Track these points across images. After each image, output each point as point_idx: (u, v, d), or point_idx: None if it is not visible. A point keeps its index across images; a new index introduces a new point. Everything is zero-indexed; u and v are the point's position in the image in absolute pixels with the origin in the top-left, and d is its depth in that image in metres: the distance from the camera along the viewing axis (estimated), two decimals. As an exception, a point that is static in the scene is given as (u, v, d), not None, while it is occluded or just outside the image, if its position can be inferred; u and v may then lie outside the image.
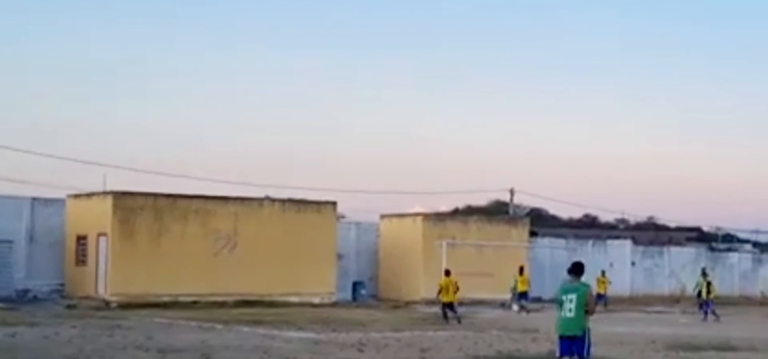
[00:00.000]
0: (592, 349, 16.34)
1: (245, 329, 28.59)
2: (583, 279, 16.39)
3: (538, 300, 43.92)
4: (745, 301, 52.69)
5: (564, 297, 16.12)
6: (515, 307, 42.71)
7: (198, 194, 43.03)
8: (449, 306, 34.16)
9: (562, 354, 16.12)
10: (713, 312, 39.11)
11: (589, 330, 16.02)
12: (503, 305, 43.90)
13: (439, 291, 34.66)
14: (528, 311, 40.97)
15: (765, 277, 45.38)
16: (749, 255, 65.70)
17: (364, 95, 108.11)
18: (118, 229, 40.38)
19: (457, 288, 34.78)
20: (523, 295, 42.28)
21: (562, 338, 16.10)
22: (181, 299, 39.04)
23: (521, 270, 43.16)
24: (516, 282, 43.04)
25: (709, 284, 40.17)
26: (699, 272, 47.25)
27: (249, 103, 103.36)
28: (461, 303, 40.86)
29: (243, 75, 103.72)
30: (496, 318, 36.38)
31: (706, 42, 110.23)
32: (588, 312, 16.00)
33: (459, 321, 33.21)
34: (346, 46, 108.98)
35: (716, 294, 41.15)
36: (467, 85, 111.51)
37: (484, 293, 45.31)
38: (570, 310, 15.95)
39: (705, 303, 39.76)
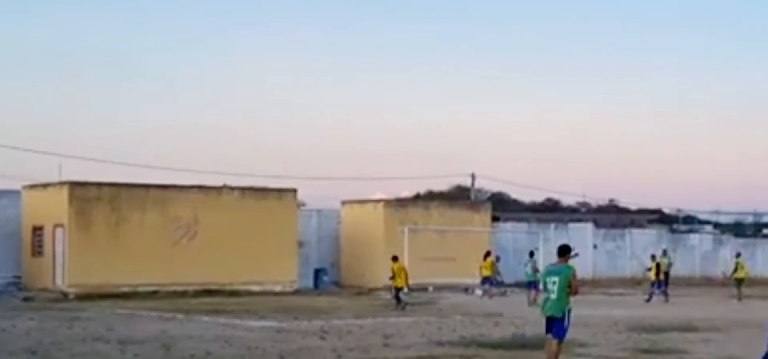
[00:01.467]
0: (570, 330, 16.56)
1: (206, 318, 28.37)
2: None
3: (501, 284, 43.82)
4: (706, 282, 52.99)
5: (548, 279, 16.47)
6: (479, 292, 42.69)
7: (156, 183, 42.57)
8: (397, 290, 34.17)
9: (547, 332, 16.48)
10: (663, 293, 39.64)
11: (569, 311, 16.23)
12: (466, 290, 43.83)
13: (392, 277, 34.52)
14: (491, 295, 40.95)
15: (726, 258, 45.57)
16: (710, 237, 66.13)
17: (323, 81, 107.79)
18: (75, 219, 39.84)
19: (406, 274, 34.83)
20: (486, 280, 42.23)
21: (548, 319, 16.41)
22: (141, 289, 38.57)
23: (486, 255, 43.13)
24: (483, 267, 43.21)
25: (658, 266, 40.76)
26: (660, 252, 47.71)
27: (207, 90, 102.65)
28: (424, 289, 40.97)
29: (199, 61, 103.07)
30: (460, 303, 36.31)
31: (668, 26, 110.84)
32: (571, 293, 16.21)
33: (403, 308, 33.23)
34: (305, 30, 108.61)
35: (665, 273, 42.06)
36: (427, 70, 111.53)
37: (446, 278, 45.31)
38: (553, 292, 16.22)
39: (654, 283, 40.35)
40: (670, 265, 45.96)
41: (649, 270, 41.68)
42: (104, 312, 30.27)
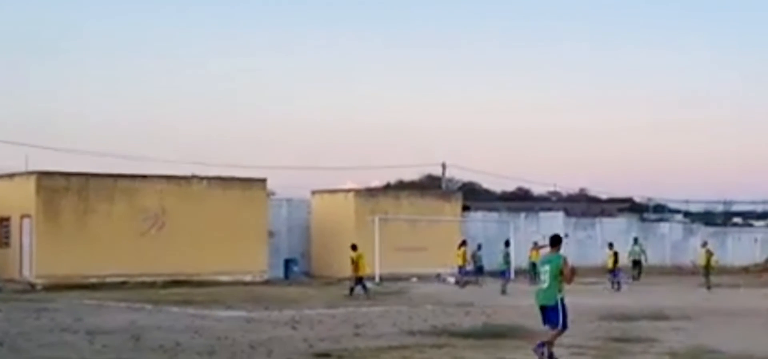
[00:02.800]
0: (569, 319, 16.61)
1: (175, 309, 28.20)
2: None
3: (480, 272, 43.84)
4: (676, 271, 53.20)
5: (541, 269, 16.80)
6: (451, 279, 42.77)
7: (124, 173, 42.26)
8: (360, 279, 34.15)
9: (544, 322, 16.64)
10: (618, 283, 39.77)
11: (562, 299, 16.33)
12: (439, 276, 43.80)
13: (353, 265, 34.44)
14: (463, 284, 40.97)
15: (696, 247, 45.77)
16: (680, 225, 66.40)
17: (293, 70, 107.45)
18: (42, 210, 39.52)
19: (365, 263, 35.02)
20: (460, 269, 42.33)
21: (540, 308, 16.61)
22: (109, 280, 38.28)
23: (461, 245, 43.27)
24: (473, 255, 43.62)
25: (615, 255, 40.93)
26: (631, 241, 47.97)
27: (175, 79, 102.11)
28: (398, 279, 40.95)
29: (168, 52, 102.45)
30: (431, 293, 36.22)
31: (635, 13, 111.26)
32: (565, 281, 16.39)
33: (351, 293, 33.48)
34: (277, 21, 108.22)
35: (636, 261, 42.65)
36: (397, 60, 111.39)
37: (417, 268, 45.24)
38: (544, 281, 16.46)
39: (612, 271, 40.50)
40: (642, 254, 46.27)
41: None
42: (72, 303, 29.99)
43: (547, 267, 16.52)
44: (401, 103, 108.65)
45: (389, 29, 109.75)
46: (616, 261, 41.14)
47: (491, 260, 44.41)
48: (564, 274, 16.38)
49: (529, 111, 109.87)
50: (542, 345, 16.48)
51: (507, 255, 40.66)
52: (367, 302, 31.56)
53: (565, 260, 16.50)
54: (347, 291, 34.19)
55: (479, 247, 44.44)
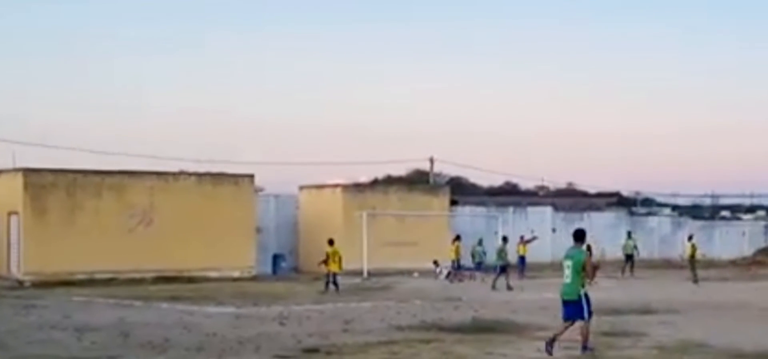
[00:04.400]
0: (591, 311, 16.93)
1: (164, 305, 28.18)
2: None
3: (479, 267, 43.76)
4: (665, 264, 53.29)
5: (564, 263, 16.98)
6: (441, 273, 42.78)
7: (112, 170, 42.13)
8: (333, 275, 34.01)
9: (564, 317, 16.96)
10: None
11: (586, 294, 16.67)
12: (436, 264, 43.82)
13: (326, 261, 34.30)
14: (458, 279, 40.96)
15: (684, 240, 45.82)
16: (668, 219, 66.46)
17: (281, 65, 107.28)
18: (30, 207, 39.36)
19: (340, 258, 34.77)
20: (453, 264, 42.38)
21: (563, 302, 16.92)
22: (97, 276, 38.17)
23: (455, 239, 43.44)
24: (473, 250, 43.49)
25: (589, 248, 40.71)
26: (625, 235, 48.15)
27: (162, 76, 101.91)
28: (386, 274, 40.91)
29: (155, 47, 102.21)
30: (419, 288, 36.21)
31: (616, 8, 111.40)
32: (586, 276, 16.72)
33: (326, 288, 33.34)
34: (262, 17, 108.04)
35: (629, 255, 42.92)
36: (385, 55, 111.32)
37: (406, 263, 45.23)
38: (567, 276, 16.73)
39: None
40: (634, 248, 46.52)
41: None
42: (60, 300, 29.92)
43: (569, 262, 16.74)
44: (389, 98, 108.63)
45: (377, 25, 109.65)
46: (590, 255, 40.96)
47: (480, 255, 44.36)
48: (586, 269, 16.65)
49: (517, 106, 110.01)
50: (585, 347, 16.87)
51: (501, 250, 40.48)
52: (355, 299, 31.42)
53: (587, 256, 16.87)
54: (322, 287, 33.80)
55: (480, 242, 44.17)
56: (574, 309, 16.68)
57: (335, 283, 33.86)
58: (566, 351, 17.33)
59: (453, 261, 42.72)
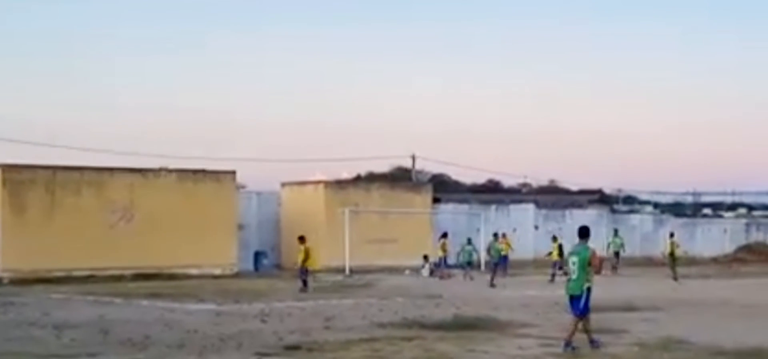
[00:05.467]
0: (589, 306, 17.19)
1: (144, 302, 28.03)
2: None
3: (470, 265, 43.68)
4: (647, 262, 53.38)
5: (569, 260, 17.32)
6: (424, 272, 42.74)
7: (92, 166, 41.89)
8: (305, 271, 33.73)
9: (571, 311, 17.23)
10: (554, 274, 39.54)
11: (588, 290, 16.93)
12: (426, 258, 43.82)
13: (305, 259, 34.12)
14: (440, 276, 40.85)
15: (666, 238, 45.92)
16: (650, 216, 66.63)
17: (263, 62, 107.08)
18: (8, 203, 39.10)
19: (312, 256, 34.71)
20: (440, 261, 42.33)
21: (569, 298, 17.24)
22: (77, 273, 37.93)
23: (442, 236, 43.46)
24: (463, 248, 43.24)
25: (560, 246, 40.69)
26: (612, 233, 48.33)
27: (144, 71, 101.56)
28: (368, 271, 40.83)
29: (136, 43, 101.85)
30: (401, 285, 36.13)
31: (600, 7, 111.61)
32: (594, 271, 17.07)
33: (303, 288, 32.90)
34: (244, 13, 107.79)
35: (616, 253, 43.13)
36: (367, 52, 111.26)
37: (388, 260, 45.16)
38: (573, 272, 17.04)
39: (554, 263, 40.26)
40: (621, 246, 46.76)
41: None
42: (39, 297, 29.71)
43: (575, 258, 17.03)
44: (371, 95, 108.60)
45: (362, 24, 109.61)
46: (560, 253, 40.80)
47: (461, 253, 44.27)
48: (592, 265, 16.94)
49: (499, 103, 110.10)
50: (593, 341, 17.19)
51: (494, 247, 40.37)
52: (337, 295, 31.31)
53: (593, 252, 17.06)
54: (303, 287, 33.44)
55: (469, 241, 44.01)
56: (577, 303, 16.99)
57: (303, 280, 33.55)
58: (545, 348, 17.30)
59: (440, 258, 42.64)
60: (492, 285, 36.04)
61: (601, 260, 17.53)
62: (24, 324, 21.80)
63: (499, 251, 39.62)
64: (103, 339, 18.86)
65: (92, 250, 39.29)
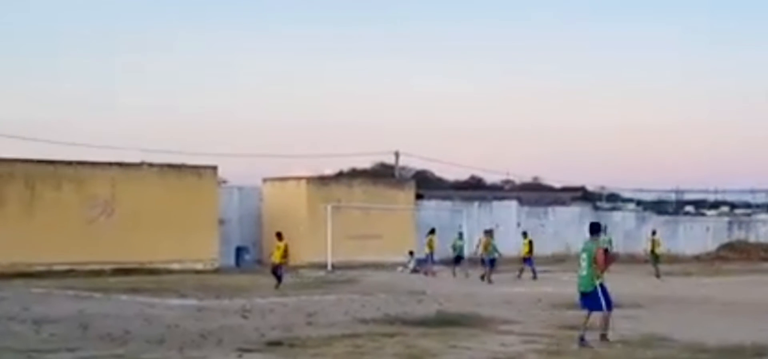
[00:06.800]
0: (612, 300, 17.35)
1: (124, 297, 27.84)
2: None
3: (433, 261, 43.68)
4: (629, 259, 53.42)
5: (580, 256, 17.47)
6: (409, 267, 42.67)
7: (72, 160, 41.63)
8: (278, 267, 33.40)
9: (582, 307, 17.43)
10: (532, 271, 39.55)
11: (601, 285, 17.04)
12: (411, 253, 43.88)
13: (285, 255, 33.93)
14: (426, 272, 40.80)
15: (649, 235, 45.98)
16: (633, 214, 66.74)
17: (244, 56, 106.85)
18: (-13, 197, 38.82)
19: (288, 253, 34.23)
20: (427, 257, 42.37)
21: (580, 294, 17.37)
22: (56, 268, 37.63)
23: (430, 233, 43.36)
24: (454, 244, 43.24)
25: (530, 243, 40.65)
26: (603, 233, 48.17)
27: (125, 64, 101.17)
28: (350, 267, 40.68)
29: (118, 38, 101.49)
30: (384, 281, 36.05)
31: (583, 6, 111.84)
32: (598, 268, 16.99)
33: (280, 282, 32.59)
34: (224, 8, 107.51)
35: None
36: (350, 47, 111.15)
37: (371, 256, 45.08)
38: (583, 268, 17.15)
39: (526, 259, 40.15)
40: (609, 242, 46.69)
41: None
42: (19, 292, 29.48)
43: (584, 254, 17.16)
44: (354, 91, 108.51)
45: (344, 21, 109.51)
46: (530, 249, 40.78)
47: (445, 249, 44.15)
48: (597, 261, 16.94)
49: (483, 99, 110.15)
50: (603, 336, 17.15)
51: (488, 244, 40.32)
52: (319, 291, 31.17)
53: (599, 248, 17.10)
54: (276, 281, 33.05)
55: (460, 236, 43.86)
56: (591, 300, 17.07)
57: (279, 276, 33.27)
58: (528, 345, 17.24)
59: (427, 254, 42.52)
60: (489, 281, 36.10)
61: (610, 257, 17.44)
62: (3, 318, 21.59)
63: (494, 247, 39.43)
64: (83, 334, 18.70)
65: (72, 245, 39.04)
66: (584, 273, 17.10)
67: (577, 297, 17.69)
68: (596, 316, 17.18)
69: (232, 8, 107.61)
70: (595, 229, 17.63)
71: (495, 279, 37.13)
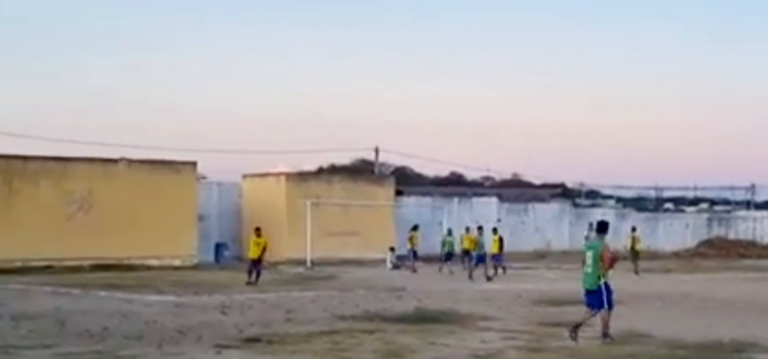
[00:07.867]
0: (614, 301, 17.42)
1: (102, 293, 27.74)
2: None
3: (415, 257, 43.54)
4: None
5: (585, 254, 17.55)
6: (389, 264, 42.60)
7: (50, 156, 41.36)
8: (257, 262, 33.31)
9: (587, 305, 17.43)
10: (502, 268, 39.40)
11: (606, 283, 17.14)
12: (392, 249, 43.80)
13: (263, 250, 33.80)
14: (414, 269, 40.73)
15: (628, 232, 46.01)
16: (613, 211, 66.86)
17: (224, 53, 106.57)
18: (-36, 193, 38.57)
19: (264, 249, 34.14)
20: (409, 253, 42.32)
21: (585, 291, 17.46)
22: (34, 264, 37.47)
23: (413, 229, 43.35)
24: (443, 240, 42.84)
25: (501, 239, 40.36)
26: (586, 226, 48.44)
27: (103, 59, 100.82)
28: (329, 263, 40.58)
29: (98, 33, 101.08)
30: (363, 278, 36.01)
31: (562, 4, 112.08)
32: (603, 266, 17.08)
33: (257, 281, 32.34)
34: (219, 9, 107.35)
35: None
36: (330, 44, 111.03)
37: (350, 252, 45.05)
38: (588, 266, 17.28)
39: (496, 256, 39.81)
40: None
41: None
42: (-5, 288, 29.31)
43: (590, 253, 17.28)
44: (334, 86, 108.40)
45: (322, 18, 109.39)
46: (501, 246, 40.47)
47: (427, 245, 44.06)
48: (603, 260, 17.02)
49: (463, 96, 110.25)
50: (606, 334, 17.23)
51: (477, 241, 40.23)
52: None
53: (605, 246, 17.17)
54: (254, 278, 32.76)
55: (449, 232, 43.61)
56: (595, 298, 17.15)
57: (258, 272, 33.08)
58: (508, 342, 17.22)
59: (410, 250, 42.44)
60: (488, 279, 36.12)
61: (614, 256, 17.41)
62: (-20, 315, 21.50)
63: (482, 244, 39.24)
64: (60, 331, 18.61)
65: (50, 241, 38.85)
66: (589, 270, 17.22)
67: (582, 294, 17.74)
68: (602, 314, 17.30)
69: (217, 7, 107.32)
70: (603, 228, 17.66)
71: (475, 275, 37.02)
